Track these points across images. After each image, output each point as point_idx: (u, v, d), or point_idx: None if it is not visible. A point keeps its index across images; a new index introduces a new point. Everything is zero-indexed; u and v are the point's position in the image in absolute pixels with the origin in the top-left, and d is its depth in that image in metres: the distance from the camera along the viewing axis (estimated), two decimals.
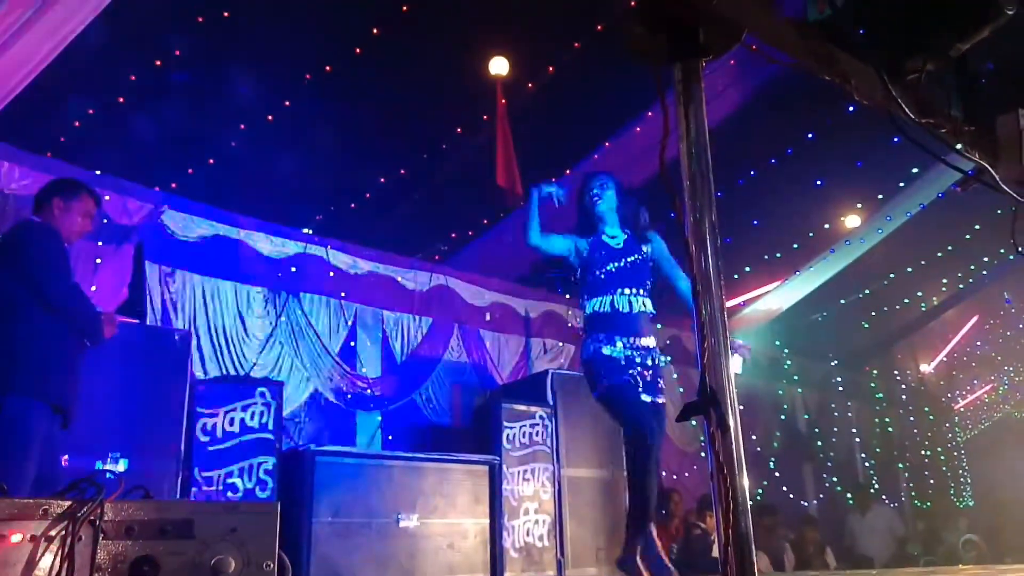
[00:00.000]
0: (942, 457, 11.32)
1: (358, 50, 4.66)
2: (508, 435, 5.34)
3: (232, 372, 5.08)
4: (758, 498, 7.98)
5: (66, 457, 3.40)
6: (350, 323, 5.93)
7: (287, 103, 4.72)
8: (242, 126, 4.95)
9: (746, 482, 1.25)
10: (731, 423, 1.23)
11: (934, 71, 1.55)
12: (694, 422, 7.13)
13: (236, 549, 1.25)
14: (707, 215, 1.28)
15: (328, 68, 4.74)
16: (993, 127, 1.66)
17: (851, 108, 4.98)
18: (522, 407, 5.37)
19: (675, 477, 7.53)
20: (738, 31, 1.39)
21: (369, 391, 5.84)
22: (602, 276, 3.50)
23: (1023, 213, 1.78)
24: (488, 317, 6.58)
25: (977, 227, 7.48)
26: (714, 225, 1.29)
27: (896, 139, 6.24)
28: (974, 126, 1.68)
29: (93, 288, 4.76)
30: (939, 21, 1.44)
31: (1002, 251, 8.04)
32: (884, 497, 10.06)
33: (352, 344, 5.92)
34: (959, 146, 1.68)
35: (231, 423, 4.48)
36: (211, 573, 1.22)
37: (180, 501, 1.07)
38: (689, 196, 1.27)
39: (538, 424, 5.40)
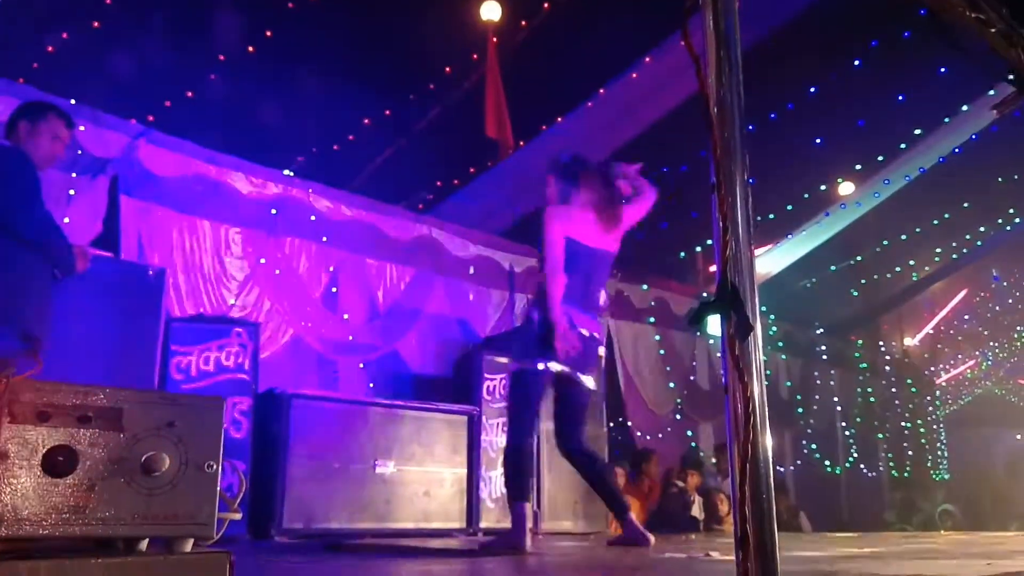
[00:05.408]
0: (922, 430, 11.40)
1: None
2: (488, 387, 5.29)
3: (210, 312, 4.97)
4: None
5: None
6: (332, 269, 5.80)
7: (268, 33, 4.51)
8: (221, 57, 4.74)
9: (764, 393, 1.14)
10: (754, 325, 1.10)
11: None
12: (672, 383, 7.03)
13: (173, 446, 1.14)
14: (734, 88, 1.20)
15: None
16: None
17: (857, 62, 4.82)
18: (503, 360, 5.30)
19: (648, 439, 7.53)
20: None
21: (351, 338, 5.74)
22: None
23: None
24: (472, 270, 6.47)
25: (976, 196, 7.37)
26: (740, 93, 1.20)
27: (901, 97, 6.14)
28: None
29: (66, 220, 4.60)
30: None
31: (1000, 221, 7.96)
32: (863, 466, 10.14)
33: (334, 291, 5.81)
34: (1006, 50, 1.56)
35: (206, 362, 4.40)
36: (141, 470, 1.11)
37: (107, 387, 0.96)
38: (712, 59, 1.17)
39: None
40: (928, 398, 11.72)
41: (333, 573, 2.10)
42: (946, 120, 6.61)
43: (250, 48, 4.66)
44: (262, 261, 5.39)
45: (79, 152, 4.66)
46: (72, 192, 4.67)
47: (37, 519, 1.00)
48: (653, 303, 7.96)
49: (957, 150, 6.73)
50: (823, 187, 7.19)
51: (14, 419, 0.98)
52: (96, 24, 4.49)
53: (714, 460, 7.49)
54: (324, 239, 5.74)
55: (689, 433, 8.03)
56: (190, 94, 4.87)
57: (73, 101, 4.62)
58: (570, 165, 3.52)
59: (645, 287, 7.90)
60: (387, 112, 5.22)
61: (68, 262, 3.38)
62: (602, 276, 3.55)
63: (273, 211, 5.47)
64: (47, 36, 4.65)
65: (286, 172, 5.53)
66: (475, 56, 4.80)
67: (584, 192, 3.42)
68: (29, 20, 4.42)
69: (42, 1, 4.24)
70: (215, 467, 1.18)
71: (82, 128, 4.57)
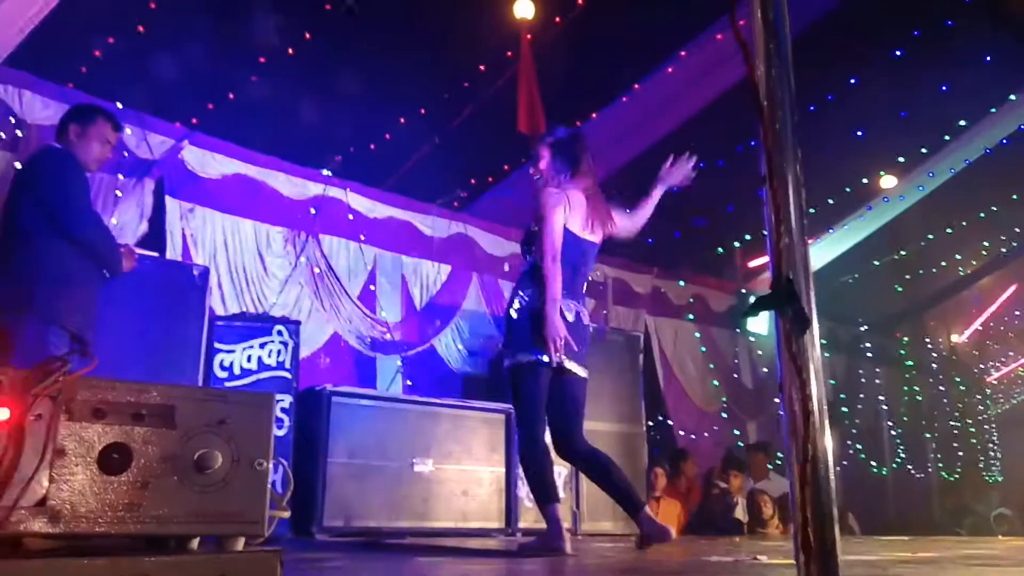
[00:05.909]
0: (972, 430, 11.05)
1: None
2: None
3: (252, 310, 5.04)
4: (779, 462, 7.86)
5: None
6: (369, 267, 5.86)
7: (307, 35, 4.54)
8: (262, 60, 4.79)
9: (823, 390, 1.09)
10: (810, 319, 1.05)
11: None
12: (716, 381, 6.90)
13: (224, 443, 1.14)
14: (784, 77, 1.16)
15: None
16: None
17: (898, 52, 4.69)
18: None
19: (693, 437, 7.42)
20: None
21: (389, 336, 5.78)
22: None
23: None
24: (507, 267, 6.47)
25: None
26: (791, 81, 1.15)
27: (944, 87, 5.97)
28: None
29: (113, 221, 4.72)
30: None
31: None
32: (910, 467, 9.88)
33: (372, 288, 5.86)
34: None
35: (248, 360, 4.45)
36: (194, 468, 1.11)
37: (161, 384, 0.96)
38: (761, 48, 1.14)
39: None
40: (978, 397, 11.36)
41: (377, 571, 2.10)
42: (992, 110, 6.42)
43: (290, 50, 4.71)
44: (302, 260, 5.47)
45: (125, 154, 4.78)
46: (119, 193, 4.79)
47: (93, 516, 1.01)
48: (691, 300, 7.86)
49: (1004, 141, 6.53)
50: (865, 180, 7.02)
51: (71, 417, 0.98)
52: (141, 29, 4.58)
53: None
54: (362, 237, 5.80)
55: (736, 432, 7.90)
56: (231, 96, 4.94)
57: (120, 105, 4.73)
58: (569, 142, 3.29)
59: (682, 283, 7.81)
60: (422, 111, 5.24)
61: (115, 262, 3.45)
62: (588, 267, 3.37)
63: (312, 210, 5.54)
64: (94, 41, 4.75)
65: (324, 172, 5.60)
66: (509, 53, 4.78)
67: (581, 175, 3.22)
68: (77, 27, 4.52)
69: (89, 8, 4.33)
70: (265, 464, 1.18)
71: (128, 131, 4.69)
